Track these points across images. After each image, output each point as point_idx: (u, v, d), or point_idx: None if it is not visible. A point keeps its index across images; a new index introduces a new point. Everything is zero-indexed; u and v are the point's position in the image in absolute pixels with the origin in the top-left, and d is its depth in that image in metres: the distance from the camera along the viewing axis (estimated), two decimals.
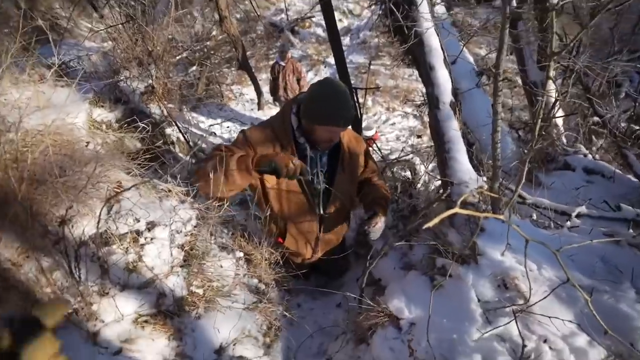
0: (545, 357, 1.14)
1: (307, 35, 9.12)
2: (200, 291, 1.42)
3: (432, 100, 2.01)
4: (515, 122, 3.99)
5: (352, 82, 4.25)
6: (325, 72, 7.72)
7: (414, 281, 1.61)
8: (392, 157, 3.49)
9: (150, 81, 2.59)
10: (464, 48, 2.84)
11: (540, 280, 1.36)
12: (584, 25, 2.25)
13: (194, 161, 1.84)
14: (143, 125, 1.84)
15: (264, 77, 6.78)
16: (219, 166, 1.44)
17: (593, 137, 3.72)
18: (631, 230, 1.86)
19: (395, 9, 2.23)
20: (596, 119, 3.48)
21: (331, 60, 6.15)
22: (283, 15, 9.10)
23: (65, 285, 1.18)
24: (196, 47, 4.37)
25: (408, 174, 2.98)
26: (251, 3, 6.08)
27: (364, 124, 4.11)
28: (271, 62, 5.58)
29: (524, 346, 1.04)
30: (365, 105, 6.05)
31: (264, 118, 5.35)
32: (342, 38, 3.73)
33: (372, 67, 5.91)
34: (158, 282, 1.33)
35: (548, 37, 1.42)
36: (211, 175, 1.44)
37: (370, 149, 3.05)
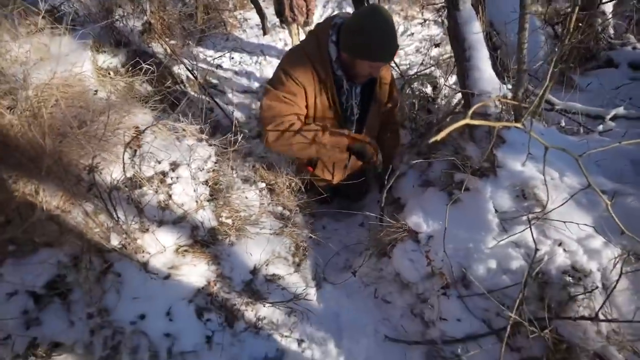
0: (558, 259, 1.18)
1: None
2: (229, 221, 1.54)
3: (451, 1, 1.78)
4: (553, 15, 3.48)
5: None
6: None
7: (432, 197, 1.64)
8: (412, 72, 3.27)
9: (146, 17, 2.45)
10: None
11: (561, 187, 1.35)
12: None
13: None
14: (146, 66, 1.81)
15: None
16: (305, 143, 1.60)
17: None
18: None
19: None
20: None
21: None
22: None
23: (110, 225, 1.32)
24: None
25: (429, 89, 2.82)
26: None
27: None
28: None
29: (537, 250, 1.08)
30: None
31: (273, 44, 5.04)
32: None
33: None
34: (189, 216, 1.45)
35: None
36: (296, 149, 1.62)
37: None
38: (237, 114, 3.06)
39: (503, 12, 2.21)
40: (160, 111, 1.77)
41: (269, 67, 4.47)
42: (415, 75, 2.90)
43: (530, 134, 0.85)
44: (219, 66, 4.00)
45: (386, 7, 5.81)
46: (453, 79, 2.76)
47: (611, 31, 3.08)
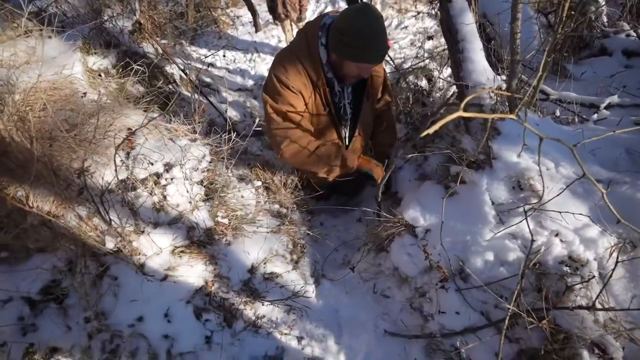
0: (555, 249, 1.18)
1: None
2: (225, 221, 1.54)
3: None
4: (546, 4, 3.46)
5: None
6: None
7: (428, 191, 1.64)
8: (406, 65, 3.25)
9: (135, 17, 2.41)
10: None
11: (557, 177, 1.34)
12: None
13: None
14: (137, 67, 1.79)
15: None
16: (319, 162, 1.69)
17: None
18: None
19: None
20: None
21: None
22: None
23: (105, 228, 1.31)
24: None
25: (424, 82, 2.80)
26: None
27: None
28: None
29: (533, 241, 1.08)
30: None
31: (266, 41, 4.99)
32: None
33: None
34: (185, 217, 1.44)
35: None
36: (309, 168, 1.73)
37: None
38: (231, 113, 3.04)
39: (496, 3, 2.20)
40: (152, 112, 1.75)
41: (262, 65, 4.43)
42: (410, 69, 2.89)
43: (524, 125, 0.85)
44: (211, 65, 3.97)
45: (380, 0, 5.78)
46: (448, 71, 2.74)
47: (604, 19, 3.06)
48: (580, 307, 1.05)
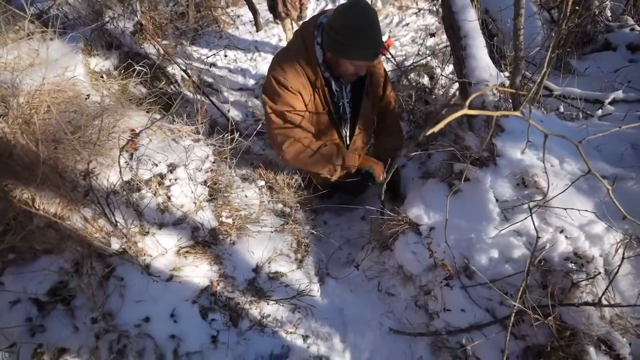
0: (560, 246, 1.18)
1: None
2: (230, 221, 1.54)
3: None
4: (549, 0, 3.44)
5: None
6: None
7: (432, 188, 1.64)
8: (408, 63, 3.24)
9: (136, 18, 2.41)
10: None
11: (562, 174, 1.34)
12: None
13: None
14: (139, 68, 1.79)
15: None
16: (321, 162, 1.67)
17: None
18: None
19: None
20: None
21: None
22: None
23: (110, 230, 1.32)
24: None
25: (425, 80, 2.79)
26: None
27: None
28: None
29: (538, 238, 1.08)
30: (375, 8, 5.43)
31: (267, 40, 4.99)
32: None
33: None
34: (189, 217, 1.44)
35: None
36: (310, 168, 1.72)
37: (384, 57, 2.84)
38: (234, 112, 3.04)
39: None
40: (155, 113, 1.75)
41: (263, 64, 4.43)
42: (412, 66, 2.88)
43: (529, 121, 0.84)
44: (213, 64, 3.97)
45: None
46: (450, 68, 2.73)
47: (608, 13, 3.04)
48: (586, 303, 1.05)
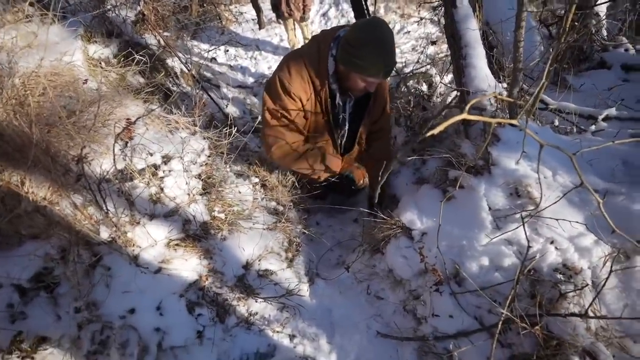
0: (549, 256, 1.19)
1: None
2: (222, 216, 1.53)
3: None
4: (548, 15, 3.51)
5: None
6: None
7: (426, 194, 1.65)
8: (407, 70, 3.26)
9: (139, 7, 2.40)
10: None
11: (554, 186, 1.36)
12: None
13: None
14: (139, 57, 1.77)
15: None
16: (305, 165, 1.74)
17: None
18: None
19: None
20: None
21: None
22: None
23: (100, 218, 1.29)
24: None
25: (424, 87, 2.82)
26: None
27: None
28: None
29: (529, 247, 1.09)
30: (377, 14, 5.47)
31: (268, 39, 4.99)
32: None
33: None
34: (181, 210, 1.42)
35: None
36: (295, 168, 1.78)
37: None
38: (232, 109, 3.03)
39: (499, 11, 2.22)
40: (152, 103, 1.73)
41: (263, 62, 4.43)
42: (411, 73, 2.90)
43: (526, 131, 0.85)
44: (213, 60, 3.95)
45: (383, 5, 5.82)
46: (449, 77, 2.76)
47: (604, 33, 3.11)
48: (573, 314, 1.06)
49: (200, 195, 1.53)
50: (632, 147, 1.49)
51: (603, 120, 1.91)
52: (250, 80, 4.02)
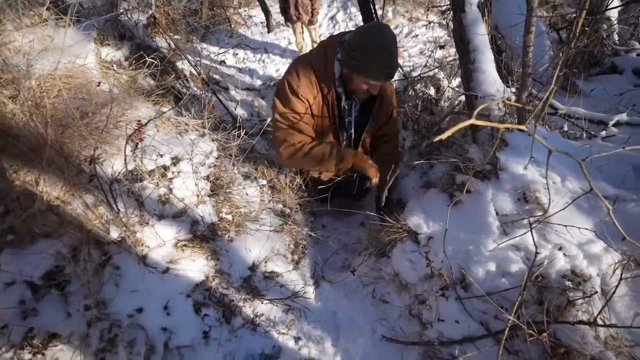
0: (558, 263, 1.18)
1: None
2: (229, 217, 1.54)
3: (457, 2, 1.78)
4: (558, 20, 3.47)
5: None
6: None
7: (433, 198, 1.64)
8: (415, 74, 3.26)
9: (151, 11, 2.44)
10: None
11: (563, 192, 1.34)
12: None
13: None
14: (150, 60, 1.81)
15: None
16: (314, 161, 1.71)
17: None
18: None
19: None
20: None
21: None
22: None
23: (110, 218, 1.32)
24: None
25: (432, 91, 2.81)
26: None
27: None
28: None
29: (537, 253, 1.08)
30: (385, 18, 5.48)
31: (276, 42, 5.03)
32: None
33: None
34: (190, 211, 1.44)
35: None
36: (306, 167, 1.79)
37: None
38: (240, 111, 3.06)
39: (508, 15, 2.21)
40: (162, 105, 1.76)
41: (271, 65, 4.47)
42: (419, 77, 2.90)
43: (534, 136, 0.85)
44: (222, 62, 4.00)
45: (391, 8, 5.82)
46: (457, 81, 2.75)
47: (616, 37, 3.07)
48: (582, 322, 1.05)
49: (209, 196, 1.54)
50: None
51: (614, 125, 1.88)
52: (259, 82, 4.05)
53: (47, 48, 1.44)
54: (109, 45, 2.08)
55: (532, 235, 1.10)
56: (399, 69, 3.42)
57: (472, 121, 0.74)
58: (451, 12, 2.03)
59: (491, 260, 1.30)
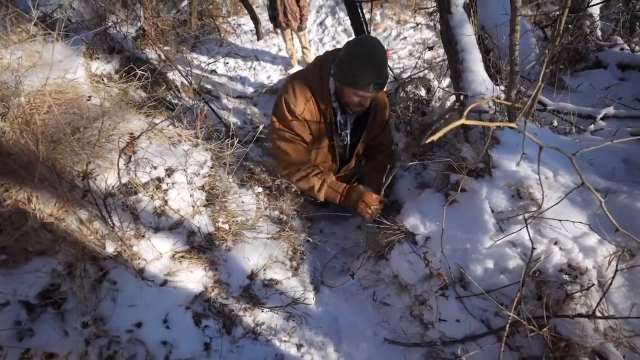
0: (554, 257, 1.19)
1: None
2: (226, 226, 1.53)
3: (443, 4, 1.80)
4: (543, 18, 3.54)
5: None
6: None
7: (428, 198, 1.65)
8: (405, 75, 3.30)
9: (139, 23, 2.44)
10: None
11: (556, 186, 1.36)
12: None
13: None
14: (140, 72, 1.80)
15: (260, 2, 6.23)
16: (306, 187, 1.78)
17: (637, 25, 3.27)
18: None
19: None
20: None
21: None
22: None
23: (105, 232, 1.30)
24: None
25: (422, 92, 2.84)
26: None
27: None
28: None
29: (533, 249, 1.09)
30: (374, 22, 5.54)
31: (266, 49, 5.05)
32: None
33: None
34: (186, 222, 1.43)
35: None
36: (302, 189, 1.81)
37: None
38: (232, 119, 3.06)
39: (494, 15, 2.24)
40: (154, 117, 1.76)
41: (262, 72, 4.48)
42: (409, 79, 2.93)
43: (525, 133, 0.86)
44: (213, 71, 4.00)
45: (379, 12, 5.90)
46: (446, 81, 2.79)
47: (599, 33, 3.14)
48: (581, 315, 1.06)
49: (204, 206, 1.54)
50: (632, 146, 1.49)
51: (602, 119, 1.91)
52: (250, 90, 4.06)
53: (35, 64, 1.43)
54: (98, 58, 2.08)
55: (528, 231, 1.11)
56: (389, 70, 3.45)
57: (463, 121, 0.75)
58: (438, 14, 2.06)
59: (489, 258, 1.31)
